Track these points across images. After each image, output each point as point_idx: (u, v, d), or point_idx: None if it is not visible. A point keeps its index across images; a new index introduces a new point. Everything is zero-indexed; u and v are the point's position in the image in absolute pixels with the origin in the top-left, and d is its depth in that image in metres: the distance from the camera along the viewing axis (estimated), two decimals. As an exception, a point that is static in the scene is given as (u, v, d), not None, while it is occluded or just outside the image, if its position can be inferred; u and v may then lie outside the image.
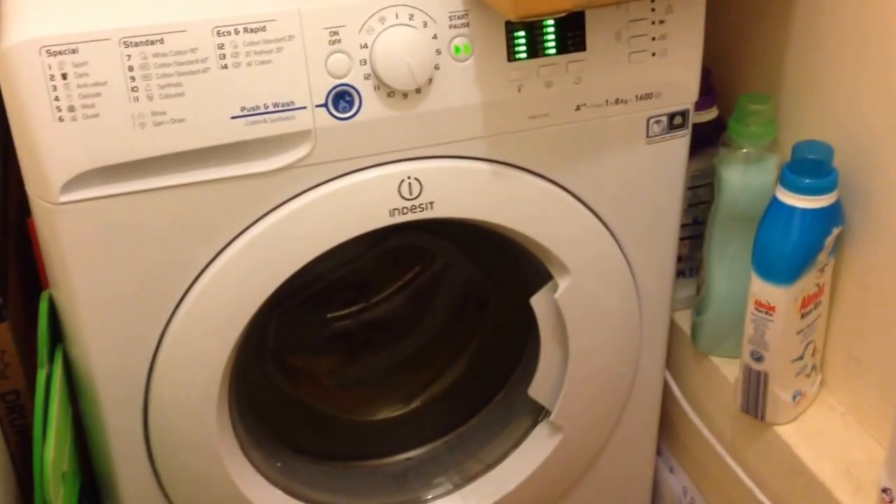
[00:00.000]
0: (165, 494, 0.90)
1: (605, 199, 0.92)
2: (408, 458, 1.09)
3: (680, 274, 1.06)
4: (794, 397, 0.93)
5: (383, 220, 0.84)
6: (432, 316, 1.16)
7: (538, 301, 0.95)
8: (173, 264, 0.80)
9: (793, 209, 0.84)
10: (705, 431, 1.06)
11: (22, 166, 0.77)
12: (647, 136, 0.90)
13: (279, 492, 0.96)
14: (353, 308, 1.16)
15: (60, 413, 0.81)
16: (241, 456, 0.92)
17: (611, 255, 0.95)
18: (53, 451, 0.75)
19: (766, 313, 0.87)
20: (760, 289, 0.87)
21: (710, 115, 1.03)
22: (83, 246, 0.77)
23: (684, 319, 1.10)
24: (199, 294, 0.81)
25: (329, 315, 1.16)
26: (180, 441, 0.87)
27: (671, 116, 0.90)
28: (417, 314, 1.16)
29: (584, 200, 0.91)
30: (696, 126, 0.95)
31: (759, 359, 0.91)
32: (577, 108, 0.86)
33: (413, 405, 1.12)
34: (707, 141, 1.01)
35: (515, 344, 1.05)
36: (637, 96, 0.88)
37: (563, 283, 0.93)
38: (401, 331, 1.16)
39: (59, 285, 0.81)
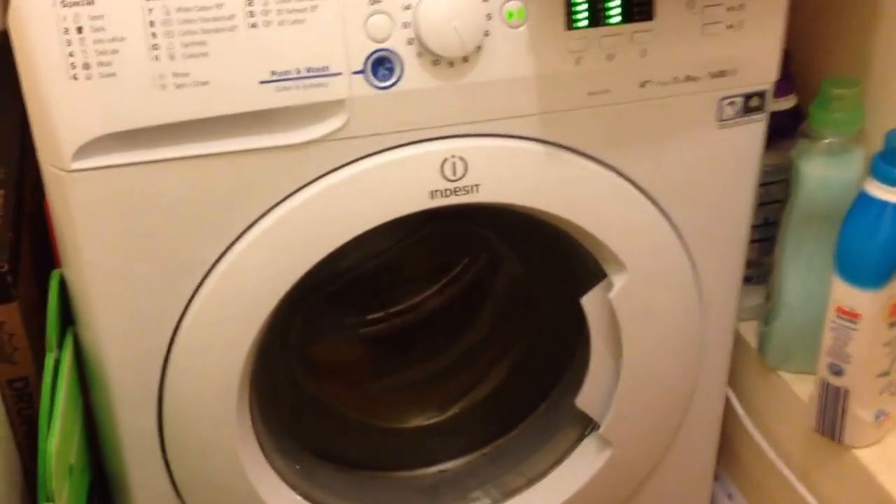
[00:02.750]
0: (179, 496, 0.86)
1: (668, 189, 0.87)
2: (441, 471, 1.04)
3: (747, 280, 1.00)
4: (877, 417, 0.87)
5: (423, 203, 0.79)
6: (472, 317, 1.11)
7: (590, 301, 0.90)
8: (193, 243, 0.77)
9: (884, 204, 0.78)
10: (772, 454, 1.00)
11: (34, 131, 0.74)
12: (720, 120, 0.85)
13: (300, 499, 0.91)
14: (387, 310, 1.11)
15: (69, 401, 0.77)
16: (262, 459, 0.88)
17: (673, 252, 0.89)
18: (58, 442, 0.71)
19: (850, 321, 0.81)
20: (843, 293, 0.81)
21: (788, 103, 0.98)
22: (95, 218, 0.74)
23: (750, 330, 1.05)
24: (221, 277, 0.77)
25: (360, 316, 1.11)
26: (196, 439, 0.83)
27: (747, 98, 0.85)
28: (456, 315, 1.11)
29: (645, 190, 0.86)
30: (770, 116, 0.89)
31: (838, 373, 0.85)
32: (642, 85, 0.81)
33: (449, 413, 1.07)
34: (783, 132, 0.95)
35: (563, 349, 1.00)
36: (709, 73, 0.82)
37: (617, 281, 0.88)
38: (437, 333, 1.11)
39: (69, 262, 0.78)
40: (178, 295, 0.78)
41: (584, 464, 0.97)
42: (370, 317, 1.12)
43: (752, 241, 0.99)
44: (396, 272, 1.09)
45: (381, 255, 1.04)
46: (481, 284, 1.11)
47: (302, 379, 1.03)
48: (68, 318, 0.82)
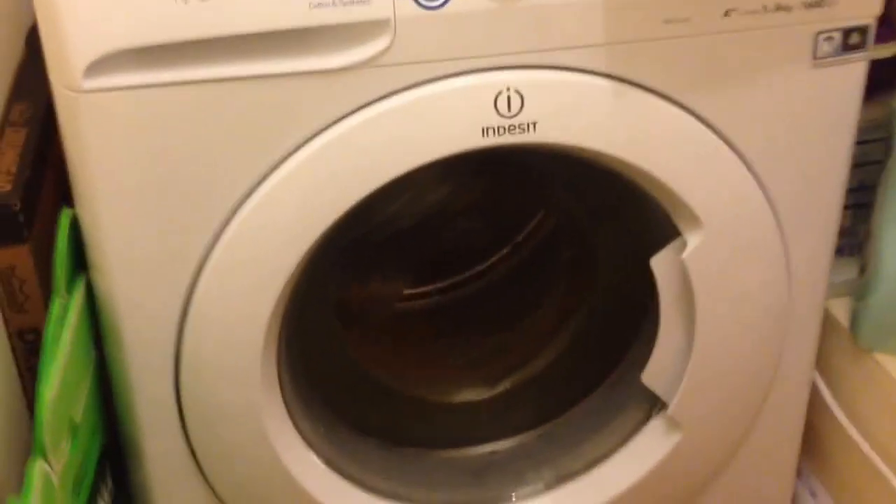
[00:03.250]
0: (198, 464, 0.79)
1: (753, 136, 0.77)
2: (491, 452, 0.95)
3: (838, 251, 0.91)
4: None
5: (474, 141, 0.71)
6: (529, 283, 1.02)
7: (660, 262, 0.81)
8: (218, 177, 0.70)
9: None
10: (865, 448, 0.90)
11: (45, 49, 0.68)
12: (814, 57, 0.75)
13: (336, 476, 0.84)
14: (437, 283, 1.04)
15: (74, 352, 0.71)
16: (290, 428, 0.81)
17: (756, 211, 0.80)
18: (55, 392, 0.65)
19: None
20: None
21: (888, 51, 0.88)
22: (110, 146, 0.68)
23: (841, 308, 0.96)
24: (249, 214, 0.71)
25: (407, 283, 1.03)
26: (217, 400, 0.76)
27: (846, 33, 0.75)
28: (511, 282, 1.02)
29: (726, 137, 0.77)
30: (869, 65, 0.79)
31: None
32: (726, 14, 0.72)
33: (500, 389, 0.98)
34: (883, 84, 0.85)
35: (629, 320, 0.91)
36: (803, 3, 0.73)
37: (693, 239, 0.79)
38: (490, 301, 1.02)
39: (81, 198, 0.72)
40: (200, 234, 0.71)
41: (649, 448, 0.88)
42: (420, 290, 1.04)
43: (845, 208, 0.89)
44: (445, 237, 1.01)
45: (428, 212, 0.96)
46: (540, 246, 1.02)
47: (341, 344, 0.95)
48: (83, 264, 0.76)
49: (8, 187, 0.75)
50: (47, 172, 0.83)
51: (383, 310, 1.03)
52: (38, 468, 0.61)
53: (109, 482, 0.83)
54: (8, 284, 0.76)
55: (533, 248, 1.04)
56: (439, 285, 1.05)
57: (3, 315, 0.78)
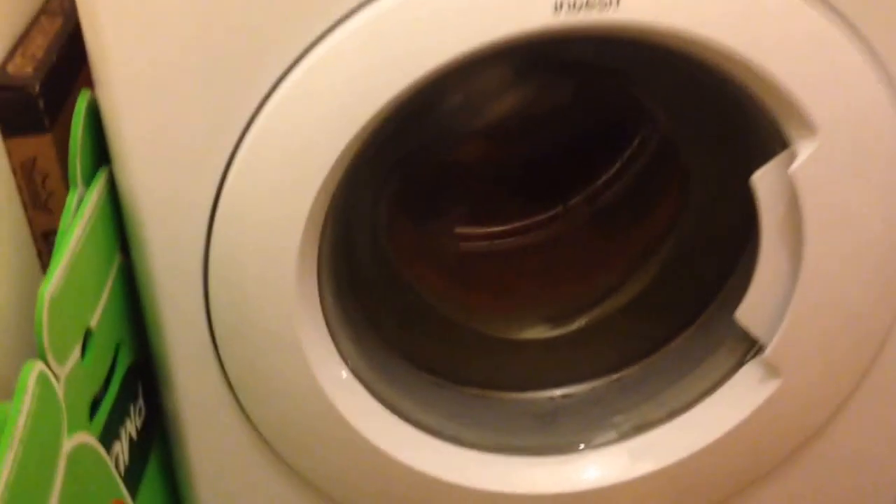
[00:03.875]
0: (229, 384, 0.72)
1: (890, 29, 0.65)
2: (563, 395, 0.86)
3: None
4: None
5: (546, 18, 0.62)
6: (607, 202, 0.91)
7: (764, 178, 0.70)
8: (255, 50, 0.62)
9: None
10: None
11: None
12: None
13: (381, 408, 0.76)
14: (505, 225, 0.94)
15: (88, 250, 0.64)
16: (331, 348, 0.73)
17: (885, 118, 0.68)
18: (57, 288, 0.58)
19: None
20: None
21: None
22: (126, 9, 0.60)
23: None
24: (286, 97, 0.63)
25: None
26: (247, 309, 0.69)
27: None
28: (586, 200, 0.92)
29: (855, 25, 0.65)
30: None
31: None
32: None
33: (575, 326, 0.88)
34: None
35: (724, 249, 0.80)
36: None
37: (804, 149, 0.68)
38: (563, 223, 0.92)
39: (98, 76, 0.64)
40: (233, 116, 0.63)
41: (741, 396, 0.77)
42: (485, 230, 0.95)
43: None
44: (516, 174, 0.91)
45: (496, 130, 0.86)
46: (624, 160, 0.91)
47: (393, 267, 0.86)
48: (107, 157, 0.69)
49: (30, 71, 0.69)
50: (84, 64, 0.77)
51: (443, 249, 0.94)
52: (30, 369, 0.54)
53: (140, 403, 0.77)
54: (29, 179, 0.70)
55: (620, 176, 0.94)
56: (510, 227, 0.96)
57: (27, 214, 0.72)
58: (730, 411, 0.77)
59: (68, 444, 0.59)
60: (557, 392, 0.86)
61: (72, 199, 0.64)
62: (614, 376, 0.85)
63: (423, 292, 0.86)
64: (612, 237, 0.91)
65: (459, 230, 0.94)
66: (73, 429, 0.60)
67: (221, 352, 0.71)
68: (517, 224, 0.94)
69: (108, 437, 0.69)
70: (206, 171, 0.65)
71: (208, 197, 0.66)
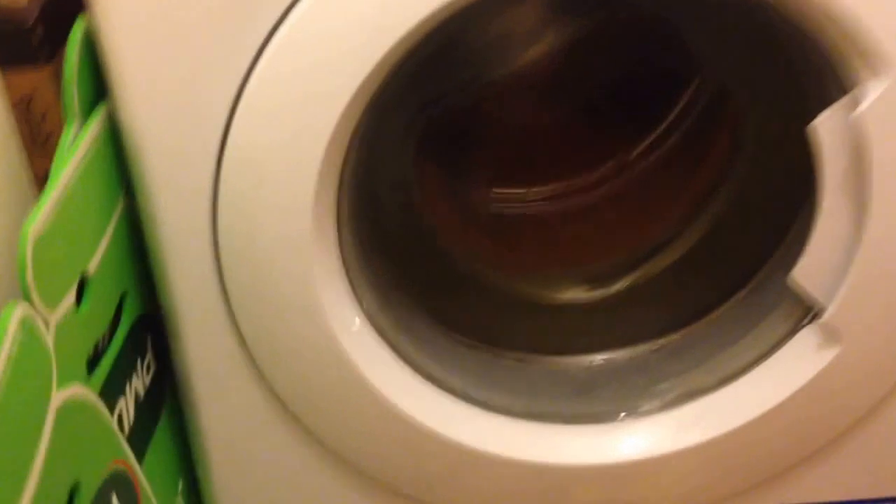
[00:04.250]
0: (243, 341, 0.68)
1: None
2: (605, 360, 0.80)
3: None
4: None
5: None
6: (656, 158, 0.85)
7: (824, 126, 0.64)
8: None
9: None
10: None
11: None
12: None
13: (411, 372, 0.71)
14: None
15: (83, 190, 0.60)
16: (351, 301, 0.68)
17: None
18: (43, 227, 0.54)
19: None
20: None
21: None
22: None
23: None
24: (303, 16, 0.57)
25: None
26: (259, 254, 0.64)
27: None
28: (634, 157, 0.86)
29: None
30: None
31: None
32: None
33: (616, 287, 0.82)
34: None
35: (780, 204, 0.73)
36: None
37: (872, 90, 0.61)
38: (609, 183, 0.86)
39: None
40: (238, 49, 0.59)
41: (797, 364, 0.71)
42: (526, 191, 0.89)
43: None
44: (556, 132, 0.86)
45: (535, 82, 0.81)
46: (675, 113, 0.85)
47: (421, 219, 0.80)
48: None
49: (24, 1, 0.65)
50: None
51: (476, 206, 0.88)
52: (11, 311, 0.50)
53: (149, 359, 0.73)
54: (27, 117, 0.66)
55: (671, 130, 0.87)
56: (550, 188, 0.90)
57: (28, 155, 0.68)
58: (785, 378, 0.71)
59: (59, 396, 0.55)
60: (598, 357, 0.80)
61: (67, 133, 0.60)
62: (659, 341, 0.79)
63: (455, 251, 0.81)
64: (661, 192, 0.85)
65: (495, 192, 0.88)
66: (65, 380, 0.56)
67: (233, 307, 0.67)
68: (558, 185, 0.89)
69: (110, 393, 0.65)
70: (210, 109, 0.60)
71: (214, 138, 0.61)
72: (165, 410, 0.76)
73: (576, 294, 0.83)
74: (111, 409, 0.65)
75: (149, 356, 0.73)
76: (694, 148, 0.84)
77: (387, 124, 0.69)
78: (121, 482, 0.64)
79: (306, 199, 0.61)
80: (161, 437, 0.74)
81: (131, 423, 0.69)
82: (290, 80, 0.59)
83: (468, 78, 0.76)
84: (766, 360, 0.72)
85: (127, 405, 0.69)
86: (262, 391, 0.70)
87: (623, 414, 0.75)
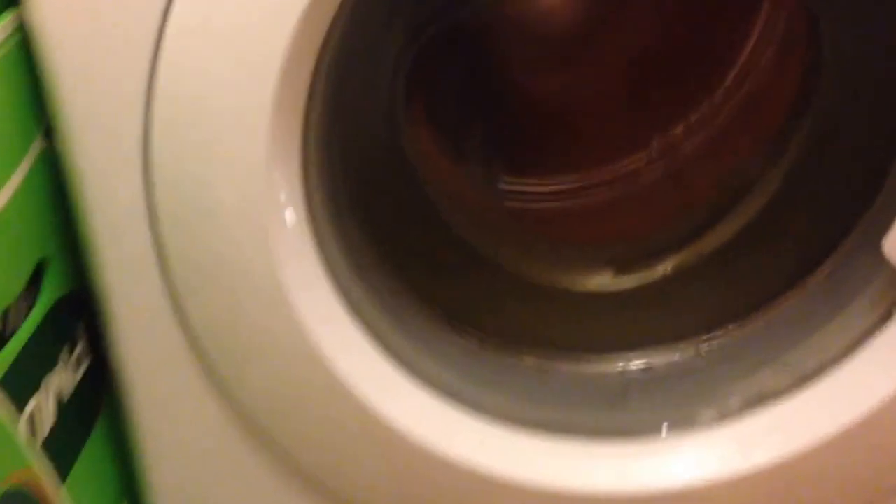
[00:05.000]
0: (185, 318, 0.54)
1: None
2: (644, 368, 0.65)
3: None
4: None
5: None
6: (712, 118, 0.72)
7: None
8: None
9: None
10: None
11: None
12: None
13: (394, 365, 0.57)
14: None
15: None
16: (321, 279, 0.54)
17: None
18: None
19: None
20: None
21: None
22: None
23: None
24: None
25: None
26: (202, 225, 0.51)
27: None
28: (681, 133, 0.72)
29: None
30: None
31: None
32: None
33: (657, 271, 0.68)
34: None
35: (864, 157, 0.59)
36: None
37: None
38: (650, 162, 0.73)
39: None
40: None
41: (893, 357, 0.56)
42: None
43: None
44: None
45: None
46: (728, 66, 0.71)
47: (415, 182, 0.67)
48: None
49: None
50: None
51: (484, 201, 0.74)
52: None
53: (80, 350, 0.59)
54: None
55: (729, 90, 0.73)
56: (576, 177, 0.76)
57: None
58: (878, 379, 0.56)
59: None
60: (635, 359, 0.65)
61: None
62: (712, 338, 0.64)
63: (455, 221, 0.67)
64: (713, 154, 0.71)
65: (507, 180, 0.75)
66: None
67: (176, 285, 0.54)
68: (583, 175, 0.75)
69: (17, 386, 0.52)
70: (133, 27, 0.47)
71: (141, 60, 0.48)
72: (105, 415, 0.62)
73: (604, 282, 0.68)
74: (18, 406, 0.52)
75: (79, 348, 0.60)
76: (757, 99, 0.69)
77: (367, 54, 0.56)
78: (21, 501, 0.51)
79: (257, 144, 0.48)
80: (96, 448, 0.61)
81: (52, 426, 0.56)
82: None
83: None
84: (852, 355, 0.57)
85: (45, 405, 0.55)
86: (215, 395, 0.57)
87: (667, 427, 0.60)
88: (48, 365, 0.55)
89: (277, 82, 0.47)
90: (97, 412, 0.61)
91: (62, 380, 0.57)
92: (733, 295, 0.65)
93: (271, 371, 0.55)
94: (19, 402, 0.52)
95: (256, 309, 0.53)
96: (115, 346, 0.57)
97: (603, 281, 0.67)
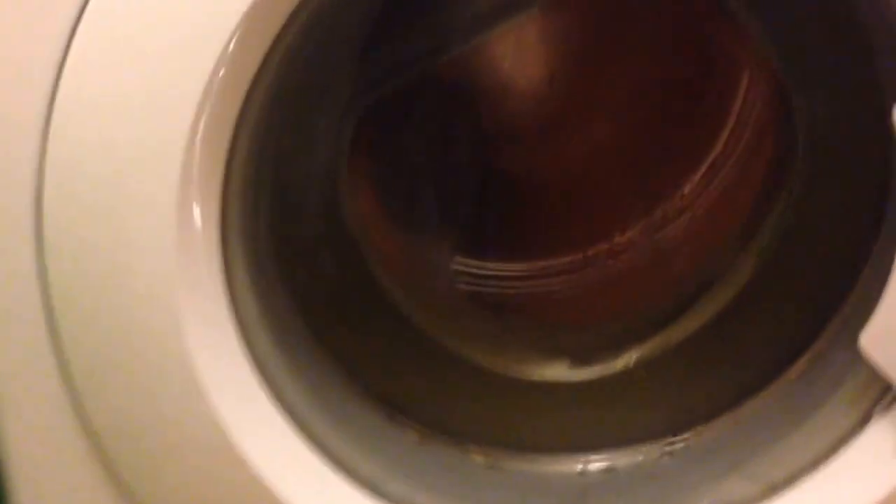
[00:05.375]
0: (72, 386, 0.49)
1: None
2: (604, 469, 0.60)
3: None
4: None
5: None
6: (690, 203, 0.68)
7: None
8: None
9: None
10: None
11: None
12: None
13: (320, 459, 0.52)
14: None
15: None
16: (236, 353, 0.49)
17: None
18: None
19: None
20: None
21: None
22: None
23: None
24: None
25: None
26: (94, 252, 0.46)
27: None
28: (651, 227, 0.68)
29: None
30: None
31: None
32: None
33: (620, 364, 0.63)
34: None
35: (843, 240, 0.55)
36: None
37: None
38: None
39: None
40: None
41: (872, 464, 0.51)
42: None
43: None
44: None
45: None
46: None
47: (352, 248, 0.62)
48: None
49: None
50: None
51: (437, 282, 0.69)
52: None
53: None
54: None
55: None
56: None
57: None
58: (855, 489, 0.50)
59: None
60: (594, 463, 0.60)
61: None
62: (678, 439, 0.59)
63: (399, 300, 0.62)
64: (680, 240, 0.66)
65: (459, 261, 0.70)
66: None
67: (72, 374, 0.49)
68: (543, 260, 0.71)
69: None
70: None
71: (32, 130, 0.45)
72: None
73: (560, 371, 0.63)
74: None
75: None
76: (727, 190, 0.66)
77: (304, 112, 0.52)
78: None
79: (166, 196, 0.44)
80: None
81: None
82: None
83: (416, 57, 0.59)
84: (828, 461, 0.52)
85: None
86: (103, 478, 0.51)
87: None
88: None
89: (185, 153, 0.44)
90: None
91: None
92: (702, 393, 0.60)
93: (185, 475, 0.50)
94: None
95: (168, 404, 0.48)
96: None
97: (559, 372, 0.62)
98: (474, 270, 0.68)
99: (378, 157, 0.63)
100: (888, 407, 0.51)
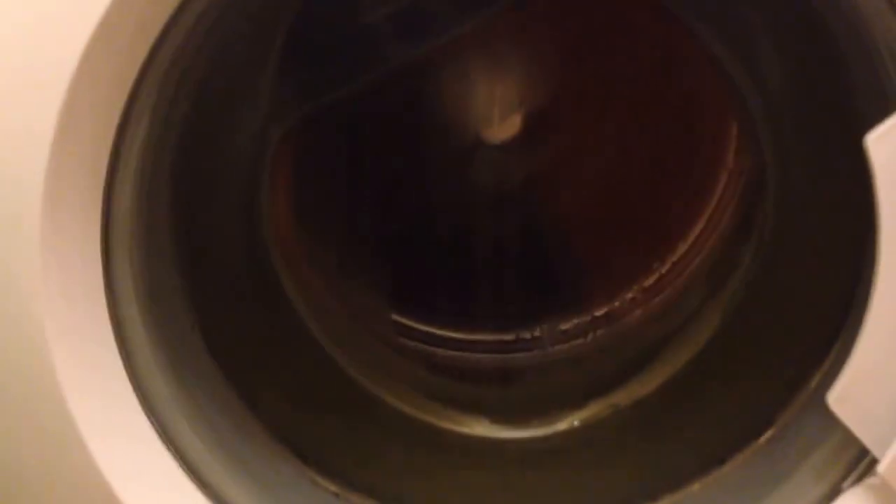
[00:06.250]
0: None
1: None
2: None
3: None
4: None
5: None
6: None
7: (879, 144, 0.41)
8: None
9: None
10: None
11: None
12: None
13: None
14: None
15: None
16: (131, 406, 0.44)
17: None
18: None
19: None
20: None
21: None
22: None
23: None
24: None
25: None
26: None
27: None
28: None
29: None
30: None
31: None
32: None
33: (571, 421, 0.57)
34: None
35: (812, 302, 0.50)
36: None
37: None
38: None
39: None
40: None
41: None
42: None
43: None
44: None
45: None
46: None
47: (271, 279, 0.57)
48: None
49: None
50: None
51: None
52: None
53: None
54: None
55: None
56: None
57: None
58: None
59: None
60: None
61: None
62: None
63: (318, 330, 0.57)
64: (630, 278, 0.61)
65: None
66: None
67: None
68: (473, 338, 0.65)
69: None
70: None
71: None
72: None
73: (497, 429, 0.56)
74: None
75: None
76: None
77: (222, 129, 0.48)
78: None
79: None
80: None
81: None
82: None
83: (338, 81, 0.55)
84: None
85: None
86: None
87: None
88: None
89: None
90: None
91: None
92: (653, 464, 0.54)
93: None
94: None
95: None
96: None
97: (482, 428, 0.56)
98: (405, 322, 0.63)
99: (308, 190, 0.59)
100: (859, 479, 0.45)
